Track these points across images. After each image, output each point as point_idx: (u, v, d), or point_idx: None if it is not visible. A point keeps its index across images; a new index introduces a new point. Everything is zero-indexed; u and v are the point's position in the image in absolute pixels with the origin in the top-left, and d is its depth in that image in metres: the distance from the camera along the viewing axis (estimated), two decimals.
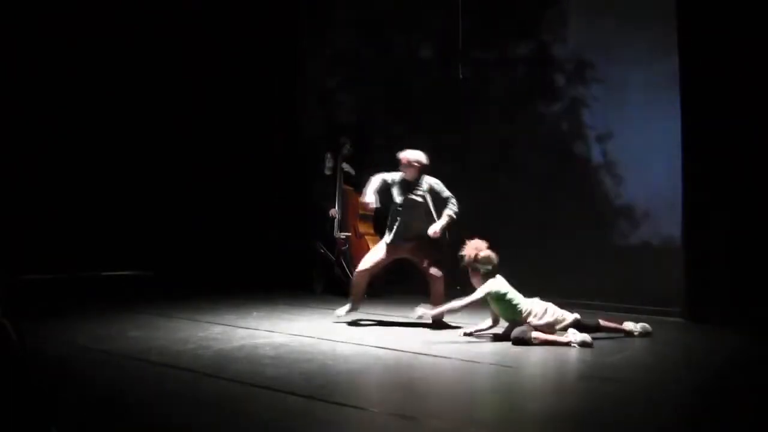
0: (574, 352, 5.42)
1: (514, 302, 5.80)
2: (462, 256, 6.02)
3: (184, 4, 10.62)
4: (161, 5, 10.46)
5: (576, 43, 8.35)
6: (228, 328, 6.46)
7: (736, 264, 6.74)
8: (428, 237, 6.60)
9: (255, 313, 7.33)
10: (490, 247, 6.00)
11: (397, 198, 6.81)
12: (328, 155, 9.25)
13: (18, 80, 9.43)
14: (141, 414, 3.89)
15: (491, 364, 5.28)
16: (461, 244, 6.14)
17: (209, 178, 10.63)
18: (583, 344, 5.51)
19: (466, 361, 5.26)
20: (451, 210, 6.64)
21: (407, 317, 7.18)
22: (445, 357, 5.37)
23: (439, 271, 6.64)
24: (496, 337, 5.98)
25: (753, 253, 6.67)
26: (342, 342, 5.84)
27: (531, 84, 8.80)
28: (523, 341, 5.62)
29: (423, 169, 6.82)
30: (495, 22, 9.09)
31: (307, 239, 9.41)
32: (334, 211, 9.01)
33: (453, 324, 6.51)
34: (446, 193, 6.75)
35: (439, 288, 6.61)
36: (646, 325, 6.06)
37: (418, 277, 6.92)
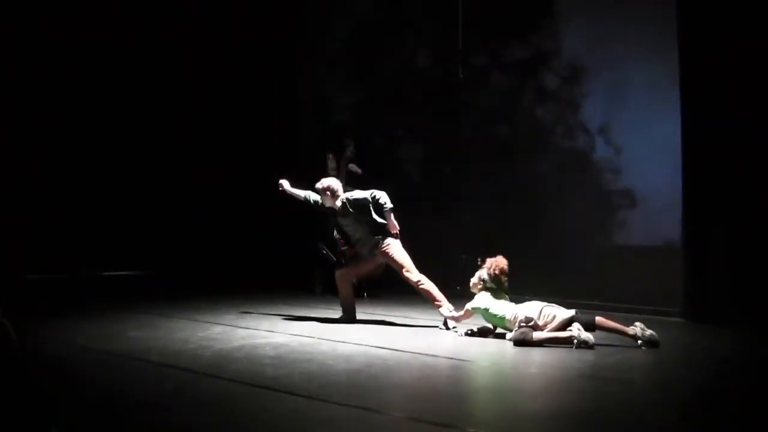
0: (574, 352, 5.41)
1: (498, 316, 5.97)
2: (481, 265, 6.21)
3: (184, 5, 10.62)
4: (161, 5, 10.45)
5: (576, 43, 8.35)
6: (228, 328, 6.46)
7: (736, 264, 6.74)
8: (384, 245, 6.63)
9: (251, 312, 7.34)
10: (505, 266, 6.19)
11: (333, 225, 6.95)
12: (330, 156, 9.25)
13: (18, 80, 9.43)
14: (141, 414, 3.89)
15: (491, 364, 5.29)
16: (483, 256, 6.28)
17: (209, 179, 10.63)
18: (584, 344, 5.49)
19: (466, 360, 5.26)
20: (386, 206, 6.58)
21: (407, 317, 7.19)
22: (445, 357, 5.37)
23: (416, 275, 6.64)
24: (497, 337, 6.02)
25: (753, 253, 6.67)
26: (342, 342, 5.84)
27: (531, 84, 8.80)
28: (523, 342, 5.63)
29: (336, 194, 6.79)
30: (494, 22, 9.10)
31: (308, 240, 9.41)
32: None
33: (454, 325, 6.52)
34: (366, 194, 6.67)
35: (427, 293, 6.62)
36: (654, 335, 5.54)
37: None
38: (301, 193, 7.04)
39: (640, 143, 7.80)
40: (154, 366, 4.99)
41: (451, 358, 5.34)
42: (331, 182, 6.91)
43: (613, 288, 7.60)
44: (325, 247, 9.09)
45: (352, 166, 9.08)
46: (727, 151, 6.77)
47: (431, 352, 5.43)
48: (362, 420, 3.77)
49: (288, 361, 5.08)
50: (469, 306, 6.18)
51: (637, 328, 5.59)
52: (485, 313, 6.05)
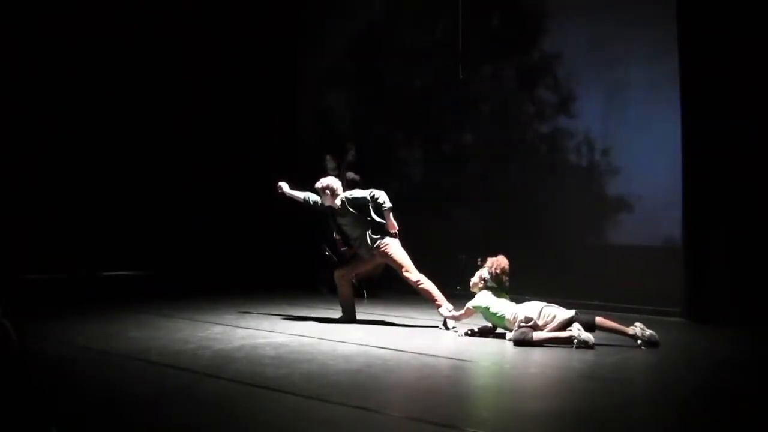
0: (574, 352, 5.42)
1: (499, 314, 5.97)
2: (481, 265, 6.23)
3: (184, 5, 10.62)
4: (161, 5, 10.45)
5: (576, 43, 8.35)
6: (228, 328, 6.46)
7: (736, 264, 6.74)
8: (383, 245, 6.63)
9: (251, 312, 7.34)
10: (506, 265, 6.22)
11: (333, 224, 6.94)
12: (328, 156, 9.25)
13: (18, 80, 9.42)
14: (141, 414, 3.89)
15: (491, 364, 5.29)
16: (483, 255, 6.31)
17: (209, 179, 10.63)
18: (584, 344, 5.49)
19: (466, 361, 5.26)
20: (384, 206, 6.59)
21: (407, 317, 7.19)
22: (445, 357, 5.37)
23: (415, 275, 6.64)
24: (496, 337, 6.03)
25: (753, 253, 6.67)
26: (342, 342, 5.84)
27: (531, 84, 8.80)
28: (523, 342, 5.63)
29: (336, 193, 6.81)
30: (494, 23, 9.10)
31: (308, 240, 9.40)
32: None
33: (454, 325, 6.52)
34: (365, 193, 6.68)
35: (427, 293, 6.62)
36: (654, 335, 5.54)
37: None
38: (301, 194, 7.04)
39: (640, 143, 7.80)
40: (154, 366, 4.98)
41: (451, 358, 5.34)
42: (331, 181, 6.91)
43: (613, 288, 7.60)
44: (327, 248, 9.08)
45: (350, 174, 9.06)
46: (727, 151, 6.77)
47: (431, 352, 5.43)
48: (362, 420, 3.77)
49: (288, 361, 5.08)
50: (470, 305, 6.19)
51: (636, 328, 5.59)
52: (485, 311, 6.06)
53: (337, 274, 7.01)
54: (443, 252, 8.87)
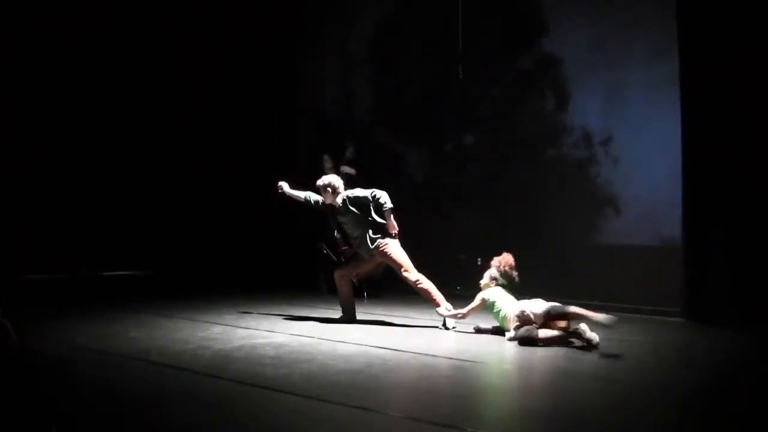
0: (574, 352, 5.42)
1: (501, 313, 6.03)
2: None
3: (184, 5, 10.62)
4: (161, 5, 10.45)
5: (576, 43, 8.35)
6: (228, 328, 6.46)
7: (736, 264, 6.75)
8: (383, 245, 6.63)
9: (251, 312, 7.34)
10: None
11: (333, 223, 6.94)
12: (325, 156, 9.26)
13: (18, 80, 9.42)
14: (141, 414, 3.89)
15: (491, 364, 5.29)
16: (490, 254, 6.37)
17: (209, 179, 10.63)
18: (587, 343, 5.50)
19: (466, 360, 5.26)
20: (385, 206, 6.58)
21: (407, 317, 7.19)
22: (445, 357, 5.37)
23: (414, 275, 6.65)
24: (495, 333, 6.10)
25: (753, 253, 6.67)
26: (342, 342, 5.84)
27: (531, 84, 8.80)
28: (528, 340, 5.63)
29: (337, 191, 6.80)
30: (494, 23, 9.10)
31: (308, 240, 9.41)
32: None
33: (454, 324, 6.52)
34: (367, 193, 6.67)
35: (426, 293, 6.63)
36: (613, 317, 5.45)
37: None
38: (301, 194, 7.04)
39: (640, 143, 7.81)
40: (154, 366, 4.98)
41: (451, 358, 5.34)
42: (333, 179, 6.90)
43: (614, 288, 7.61)
44: (325, 247, 9.09)
45: (345, 168, 9.07)
46: (727, 151, 6.77)
47: (431, 352, 5.44)
48: (362, 420, 3.77)
49: (288, 361, 5.08)
50: (481, 295, 6.23)
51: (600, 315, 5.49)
52: (492, 306, 6.11)
53: (337, 274, 7.01)
54: (443, 252, 8.88)
